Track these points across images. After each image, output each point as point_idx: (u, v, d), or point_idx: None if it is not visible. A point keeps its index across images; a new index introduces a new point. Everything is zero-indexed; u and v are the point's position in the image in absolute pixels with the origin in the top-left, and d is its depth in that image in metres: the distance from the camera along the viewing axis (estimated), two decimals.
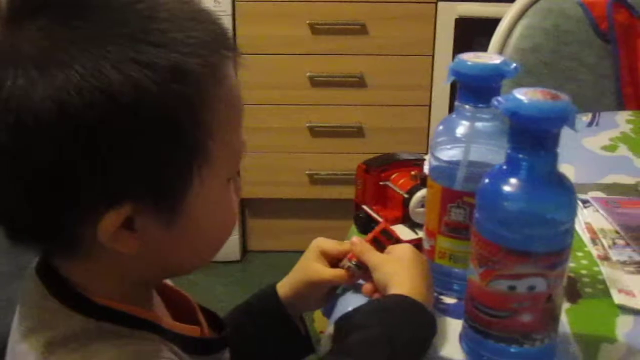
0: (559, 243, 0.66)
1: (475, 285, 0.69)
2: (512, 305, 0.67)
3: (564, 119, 0.63)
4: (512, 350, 0.68)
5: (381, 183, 0.91)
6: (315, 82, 2.29)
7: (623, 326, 0.78)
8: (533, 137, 0.64)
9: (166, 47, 0.53)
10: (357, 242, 0.81)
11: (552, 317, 0.69)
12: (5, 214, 0.58)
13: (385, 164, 0.92)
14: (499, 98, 0.65)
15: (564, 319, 0.78)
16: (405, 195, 0.89)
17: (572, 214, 0.67)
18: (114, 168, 0.53)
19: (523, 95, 0.64)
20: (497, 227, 0.66)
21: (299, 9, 2.23)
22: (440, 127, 0.80)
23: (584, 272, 0.87)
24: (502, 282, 0.66)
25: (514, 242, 0.65)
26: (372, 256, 0.80)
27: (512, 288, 0.66)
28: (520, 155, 0.65)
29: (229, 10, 2.22)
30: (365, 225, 0.92)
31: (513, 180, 0.65)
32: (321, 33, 2.25)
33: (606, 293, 0.83)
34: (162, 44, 0.53)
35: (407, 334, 0.69)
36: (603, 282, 0.85)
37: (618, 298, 0.82)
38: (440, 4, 2.19)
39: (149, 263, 0.61)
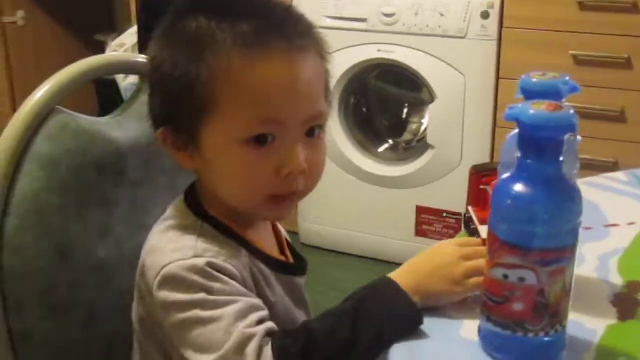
0: (550, 242, 0.72)
1: (485, 272, 0.77)
2: (505, 293, 0.75)
3: (563, 128, 0.70)
4: (506, 334, 0.76)
5: (481, 187, 1.00)
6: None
7: None
8: (536, 144, 0.72)
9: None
10: None
11: (548, 313, 0.74)
12: None
13: (490, 169, 1.01)
14: (511, 105, 0.74)
15: (599, 331, 0.82)
16: None
17: (567, 218, 0.72)
18: (158, 102, 0.88)
19: (529, 105, 0.72)
20: (497, 220, 0.74)
21: (563, 39, 2.27)
22: (508, 141, 0.88)
23: None
24: (498, 270, 0.75)
25: (507, 234, 0.73)
26: None
27: (505, 277, 0.74)
28: (526, 160, 0.73)
29: (495, 36, 2.34)
30: (467, 223, 1.02)
31: (517, 181, 0.73)
32: (584, 64, 2.27)
33: None
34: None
35: (374, 310, 0.80)
36: None
37: None
38: None
39: (214, 189, 0.87)
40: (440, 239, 2.57)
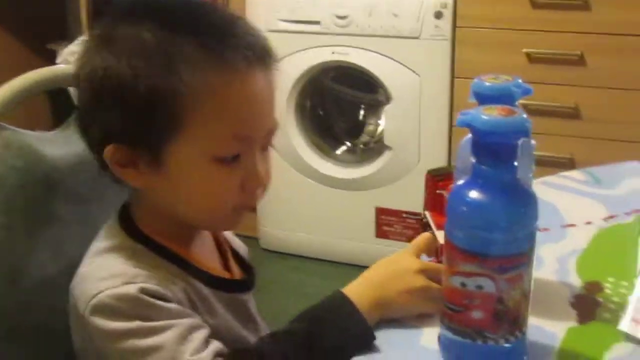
0: (507, 249, 0.71)
1: (444, 280, 0.76)
2: (464, 301, 0.74)
3: (517, 133, 0.69)
4: (466, 343, 0.74)
5: (438, 191, 1.00)
6: (529, 110, 2.31)
7: (616, 352, 0.79)
8: (490, 150, 0.71)
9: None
10: None
11: (507, 320, 0.74)
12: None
13: (446, 173, 1.00)
14: (464, 111, 0.73)
15: (559, 334, 0.81)
16: None
17: (524, 224, 0.72)
18: (112, 116, 0.80)
19: (481, 111, 0.71)
20: (453, 227, 0.73)
21: (516, 37, 2.28)
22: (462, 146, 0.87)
23: (615, 299, 0.88)
24: (456, 279, 0.73)
25: (462, 242, 0.72)
26: None
27: (463, 285, 0.73)
28: (481, 166, 0.72)
29: (449, 36, 2.34)
30: (424, 227, 1.01)
31: (472, 188, 0.72)
32: (538, 62, 2.28)
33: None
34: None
35: (328, 333, 0.80)
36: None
37: (625, 325, 0.82)
38: None
39: (164, 206, 0.84)
40: (400, 240, 2.57)
